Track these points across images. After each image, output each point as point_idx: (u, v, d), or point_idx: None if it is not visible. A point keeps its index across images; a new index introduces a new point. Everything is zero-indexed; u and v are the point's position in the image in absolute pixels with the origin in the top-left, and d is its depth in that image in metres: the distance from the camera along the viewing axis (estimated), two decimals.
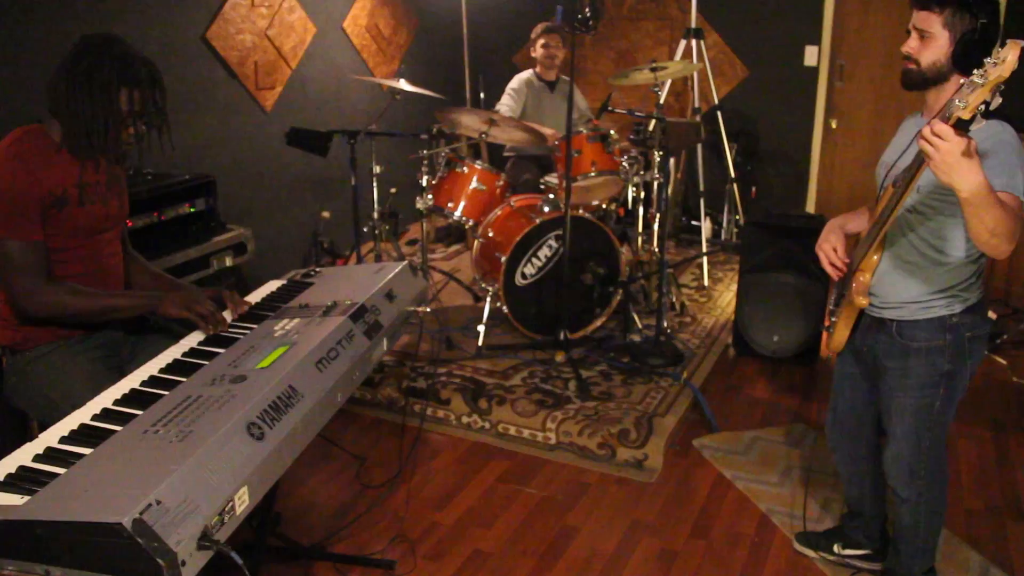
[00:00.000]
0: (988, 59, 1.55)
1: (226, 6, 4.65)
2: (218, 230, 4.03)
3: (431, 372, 3.98)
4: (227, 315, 2.35)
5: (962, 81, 1.63)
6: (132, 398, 1.93)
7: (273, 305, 2.42)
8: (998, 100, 1.58)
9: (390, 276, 2.48)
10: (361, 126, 4.60)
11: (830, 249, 2.36)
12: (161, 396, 1.84)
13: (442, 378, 3.92)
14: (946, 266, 2.21)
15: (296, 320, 2.21)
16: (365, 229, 4.55)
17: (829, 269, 2.38)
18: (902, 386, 2.32)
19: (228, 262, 4.01)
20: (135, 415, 1.76)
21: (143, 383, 2.00)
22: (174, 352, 2.17)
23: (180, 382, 1.92)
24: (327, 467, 3.39)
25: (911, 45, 2.16)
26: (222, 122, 4.77)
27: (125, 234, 2.60)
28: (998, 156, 1.99)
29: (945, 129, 1.69)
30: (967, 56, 2.07)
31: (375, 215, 4.59)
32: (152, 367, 2.08)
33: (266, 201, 5.16)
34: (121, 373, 2.22)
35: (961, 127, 1.67)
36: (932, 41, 2.11)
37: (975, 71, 1.58)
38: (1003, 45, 1.58)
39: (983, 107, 1.59)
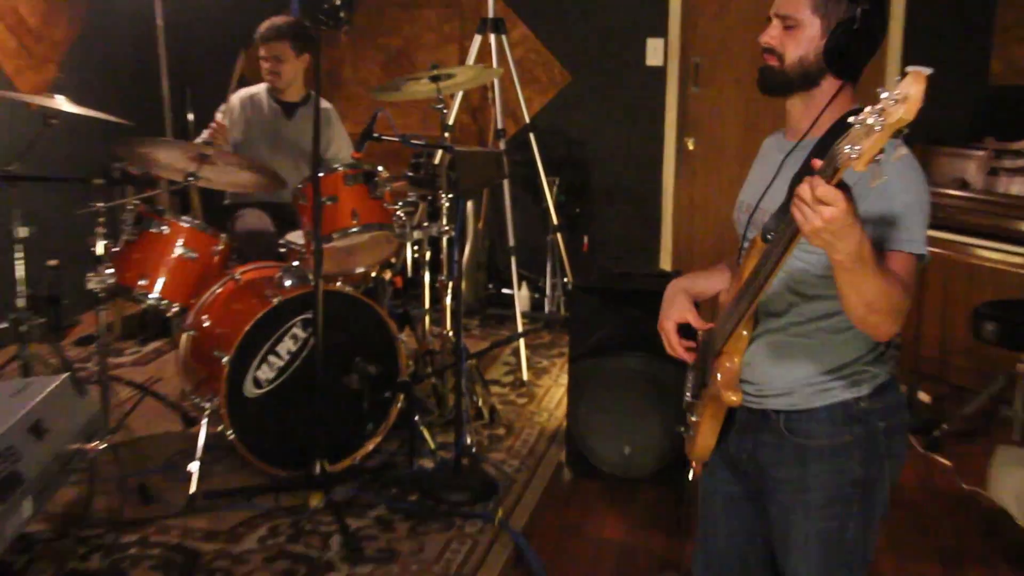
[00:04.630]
0: (885, 94, 1.57)
1: None
2: None
3: (112, 543, 3.82)
4: None
5: (852, 121, 1.64)
6: None
7: None
8: (903, 150, 1.59)
9: (38, 399, 2.45)
10: None
11: (672, 330, 2.45)
12: None
13: (131, 551, 3.78)
14: (844, 333, 2.30)
15: None
16: (5, 325, 4.34)
17: (676, 354, 2.45)
18: (800, 505, 2.38)
19: None
20: None
21: None
22: None
23: None
24: None
25: (771, 35, 2.31)
26: None
27: None
28: (898, 201, 2.09)
29: (831, 193, 1.71)
30: (842, 52, 2.22)
31: (20, 303, 4.39)
32: None
33: None
34: None
35: (845, 186, 1.71)
36: (799, 31, 2.27)
37: (868, 109, 1.60)
38: (903, 74, 1.61)
39: (880, 155, 1.61)
